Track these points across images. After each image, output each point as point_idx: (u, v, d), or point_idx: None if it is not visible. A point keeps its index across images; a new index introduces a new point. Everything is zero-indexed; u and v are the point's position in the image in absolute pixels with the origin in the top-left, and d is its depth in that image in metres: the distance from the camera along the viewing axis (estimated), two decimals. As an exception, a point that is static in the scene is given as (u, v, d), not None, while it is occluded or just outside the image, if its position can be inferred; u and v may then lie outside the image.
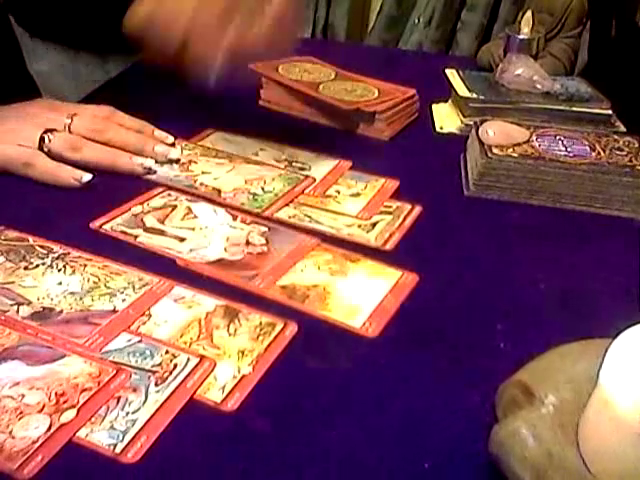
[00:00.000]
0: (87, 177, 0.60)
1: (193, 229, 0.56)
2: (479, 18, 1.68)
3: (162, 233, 0.55)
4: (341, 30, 1.89)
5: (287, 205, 0.61)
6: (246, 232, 0.56)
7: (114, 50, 0.86)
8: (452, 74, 0.87)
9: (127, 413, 0.38)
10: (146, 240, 0.54)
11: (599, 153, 0.67)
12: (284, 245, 0.55)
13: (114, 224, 0.56)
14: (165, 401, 0.39)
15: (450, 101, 0.86)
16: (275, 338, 0.45)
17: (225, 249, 0.54)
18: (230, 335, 0.45)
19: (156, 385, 0.40)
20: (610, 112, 0.80)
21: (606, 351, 0.32)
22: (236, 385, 0.41)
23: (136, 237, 0.55)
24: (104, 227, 0.56)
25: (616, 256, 0.58)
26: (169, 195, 0.61)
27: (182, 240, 0.55)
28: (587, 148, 0.68)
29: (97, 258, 0.51)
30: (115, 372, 0.41)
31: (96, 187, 0.61)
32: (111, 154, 0.64)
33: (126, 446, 0.36)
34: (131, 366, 0.41)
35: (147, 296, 0.48)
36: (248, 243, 0.55)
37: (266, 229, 0.57)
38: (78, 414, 0.38)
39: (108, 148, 0.64)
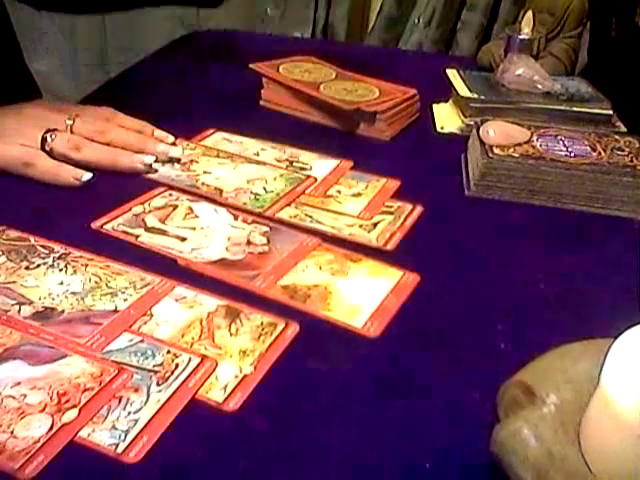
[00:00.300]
0: (87, 176, 0.61)
1: (194, 229, 0.56)
2: (479, 18, 1.68)
3: (163, 233, 0.55)
4: (341, 30, 1.89)
5: (288, 205, 0.61)
6: (247, 232, 0.56)
7: (114, 8, 0.85)
8: (453, 74, 0.87)
9: (129, 413, 0.38)
10: (147, 240, 0.54)
11: (600, 153, 0.67)
12: (285, 245, 0.55)
13: (115, 224, 0.56)
14: (167, 401, 0.39)
15: (451, 101, 0.86)
16: (276, 338, 0.45)
17: (226, 249, 0.54)
18: (232, 335, 0.45)
19: (158, 385, 0.40)
20: (611, 112, 0.80)
21: (607, 351, 0.33)
22: (237, 385, 0.41)
23: (137, 237, 0.55)
24: (105, 227, 0.56)
25: (616, 256, 0.58)
26: (170, 195, 0.61)
27: (183, 240, 0.55)
28: (588, 148, 0.68)
29: (98, 258, 0.51)
30: (117, 372, 0.41)
31: (97, 187, 0.61)
32: (112, 153, 0.64)
33: (128, 446, 0.36)
34: (133, 366, 0.41)
35: (148, 296, 0.48)
36: (249, 243, 0.55)
37: (267, 229, 0.57)
38: (80, 414, 0.38)
39: (109, 147, 0.64)
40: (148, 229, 0.56)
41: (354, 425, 0.39)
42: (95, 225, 0.56)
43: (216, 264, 0.52)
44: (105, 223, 0.56)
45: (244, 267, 0.52)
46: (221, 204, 0.60)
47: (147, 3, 0.72)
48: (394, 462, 0.37)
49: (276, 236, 0.56)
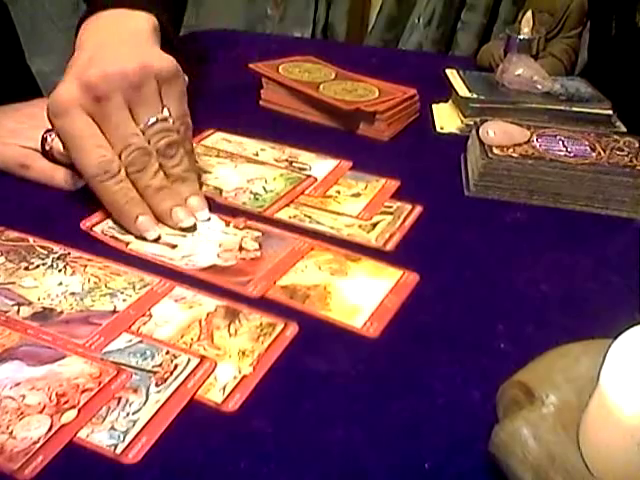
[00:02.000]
0: (81, 183, 0.60)
1: (185, 236, 0.56)
2: (479, 18, 1.68)
3: (154, 240, 0.55)
4: (341, 30, 1.89)
5: (288, 205, 0.61)
6: (239, 237, 0.56)
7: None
8: (452, 74, 0.87)
9: (128, 414, 0.38)
10: (137, 247, 0.54)
11: (599, 153, 0.67)
12: (277, 250, 0.54)
13: (105, 226, 0.55)
14: (166, 402, 0.39)
15: (450, 101, 0.86)
16: (276, 338, 0.45)
17: (218, 255, 0.53)
18: (231, 335, 0.45)
19: (157, 386, 0.40)
20: (610, 112, 0.80)
21: (606, 352, 0.33)
22: (237, 385, 0.41)
23: (127, 244, 0.54)
24: (95, 229, 0.55)
25: (616, 256, 0.58)
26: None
27: (174, 247, 0.54)
28: (587, 148, 0.68)
29: (98, 258, 0.51)
30: (116, 372, 0.41)
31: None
32: None
33: (127, 447, 0.36)
34: (132, 366, 0.41)
35: (148, 296, 0.48)
36: (241, 249, 0.54)
37: (259, 234, 0.56)
38: (79, 415, 0.38)
39: None
40: (138, 235, 0.55)
41: (354, 425, 0.39)
42: (85, 226, 0.55)
43: (207, 271, 0.51)
44: (95, 224, 0.55)
45: (236, 273, 0.51)
46: (217, 205, 0.60)
47: None
48: (394, 462, 0.37)
49: (268, 241, 0.55)
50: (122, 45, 0.58)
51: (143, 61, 0.55)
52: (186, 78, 0.59)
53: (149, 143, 0.55)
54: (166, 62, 0.57)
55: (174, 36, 0.71)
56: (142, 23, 0.62)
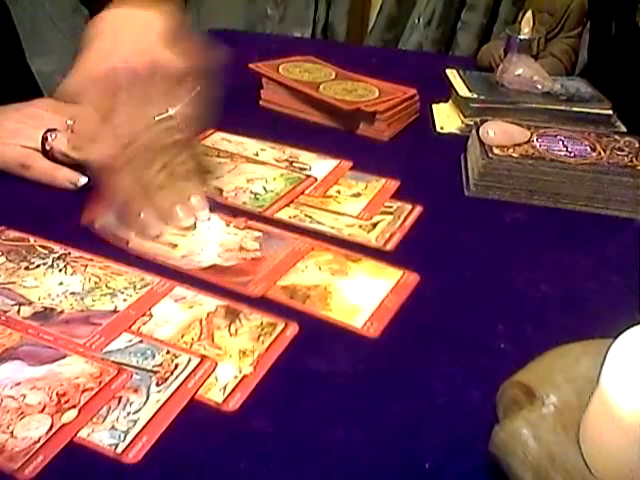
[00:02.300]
0: (83, 180, 0.60)
1: (185, 235, 0.56)
2: (479, 18, 1.68)
3: (154, 239, 0.55)
4: (341, 30, 1.89)
5: (288, 205, 0.61)
6: (240, 237, 0.56)
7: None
8: (452, 74, 0.87)
9: (128, 413, 0.38)
10: (138, 246, 0.54)
11: (600, 153, 0.67)
12: (278, 250, 0.54)
13: (105, 223, 0.55)
14: (166, 401, 0.39)
15: (450, 101, 0.86)
16: (276, 338, 0.45)
17: (218, 255, 0.53)
18: (231, 335, 0.45)
19: (157, 385, 0.40)
20: (610, 112, 0.80)
21: (606, 352, 0.33)
22: (237, 385, 0.41)
23: (128, 242, 0.54)
24: (95, 224, 0.55)
25: (616, 256, 0.58)
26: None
27: (175, 246, 0.54)
28: (588, 148, 0.68)
29: (98, 258, 0.51)
30: (116, 372, 0.41)
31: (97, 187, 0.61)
32: None
33: (127, 446, 0.36)
34: (132, 366, 0.41)
35: (148, 296, 0.48)
36: (242, 248, 0.54)
37: (260, 234, 0.56)
38: (79, 414, 0.38)
39: None
40: (140, 233, 0.55)
41: (354, 425, 0.39)
42: (84, 220, 0.55)
43: (208, 270, 0.51)
44: (95, 219, 0.55)
45: (236, 273, 0.51)
46: (217, 204, 0.60)
47: None
48: (394, 462, 0.37)
49: (268, 241, 0.55)
50: (132, 42, 0.58)
51: (154, 58, 0.55)
52: (195, 79, 0.59)
53: (155, 140, 0.55)
54: (176, 61, 0.57)
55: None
56: (152, 22, 0.62)
